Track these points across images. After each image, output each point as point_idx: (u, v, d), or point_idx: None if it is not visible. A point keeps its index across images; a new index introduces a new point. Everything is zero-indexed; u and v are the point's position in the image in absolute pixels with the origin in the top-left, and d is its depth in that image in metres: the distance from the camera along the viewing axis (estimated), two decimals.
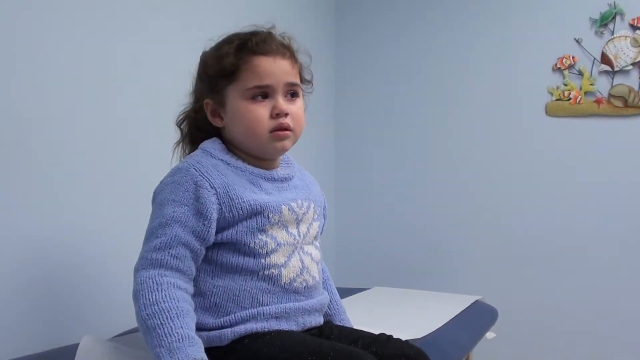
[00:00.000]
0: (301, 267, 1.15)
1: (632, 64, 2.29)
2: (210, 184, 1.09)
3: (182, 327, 0.97)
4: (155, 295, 0.99)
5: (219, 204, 1.08)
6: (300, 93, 1.21)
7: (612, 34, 2.32)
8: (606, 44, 2.33)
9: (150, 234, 1.07)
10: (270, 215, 1.12)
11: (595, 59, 2.34)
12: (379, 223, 2.73)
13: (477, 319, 1.89)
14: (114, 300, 1.58)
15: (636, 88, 2.29)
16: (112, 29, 1.64)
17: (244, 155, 1.18)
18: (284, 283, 1.12)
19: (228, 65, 1.15)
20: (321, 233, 1.27)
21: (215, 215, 1.08)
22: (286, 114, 1.15)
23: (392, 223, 2.70)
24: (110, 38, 1.63)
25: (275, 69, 1.15)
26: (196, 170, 1.09)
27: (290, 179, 1.22)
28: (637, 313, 2.29)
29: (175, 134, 1.28)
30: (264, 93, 1.15)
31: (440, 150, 2.62)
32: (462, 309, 1.88)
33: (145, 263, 1.03)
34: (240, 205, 1.09)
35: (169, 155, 1.28)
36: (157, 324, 0.97)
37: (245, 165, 1.16)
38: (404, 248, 2.67)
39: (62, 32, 1.50)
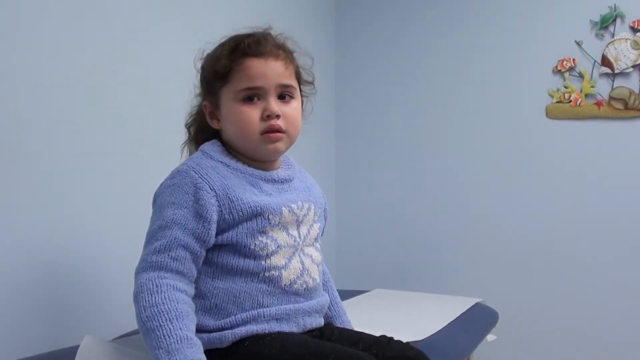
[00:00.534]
0: (302, 268, 1.15)
1: (633, 67, 2.29)
2: (210, 186, 1.09)
3: (181, 328, 0.97)
4: (155, 297, 0.99)
5: (219, 206, 1.08)
6: (297, 94, 1.20)
7: (613, 37, 2.32)
8: (607, 46, 2.33)
9: (151, 237, 1.07)
10: (270, 217, 1.12)
11: (595, 61, 2.34)
12: (380, 225, 2.73)
13: (477, 321, 1.89)
14: (115, 301, 1.58)
15: (637, 90, 2.29)
16: (113, 29, 1.64)
17: (243, 157, 1.18)
18: (285, 285, 1.12)
19: (221, 67, 1.15)
20: (322, 235, 1.27)
21: (215, 217, 1.08)
22: (278, 116, 1.15)
23: (393, 225, 2.70)
24: (111, 38, 1.63)
25: (267, 70, 1.14)
26: (196, 173, 1.09)
27: (291, 181, 1.22)
28: (638, 316, 2.28)
29: (176, 135, 1.29)
30: (256, 95, 1.15)
31: (440, 153, 2.62)
32: (463, 311, 1.88)
33: (145, 265, 1.04)
34: (240, 206, 1.09)
35: (170, 156, 1.28)
36: (157, 326, 0.97)
37: (245, 167, 1.16)
38: (404, 250, 2.67)
39: (63, 32, 1.50)
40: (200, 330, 1.05)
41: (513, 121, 2.49)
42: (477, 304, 2.02)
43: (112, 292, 1.59)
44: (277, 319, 1.10)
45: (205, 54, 1.22)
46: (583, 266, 2.37)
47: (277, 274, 1.11)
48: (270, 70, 1.15)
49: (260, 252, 1.10)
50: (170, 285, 1.01)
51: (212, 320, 1.08)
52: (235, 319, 1.08)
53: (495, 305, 2.10)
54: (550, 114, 2.43)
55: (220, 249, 1.10)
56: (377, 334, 1.20)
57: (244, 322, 1.08)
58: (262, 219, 1.11)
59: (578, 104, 2.37)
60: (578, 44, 2.37)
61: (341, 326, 1.30)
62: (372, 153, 2.76)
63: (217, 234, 1.09)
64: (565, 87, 2.39)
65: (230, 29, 1.20)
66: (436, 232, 2.62)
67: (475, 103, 2.55)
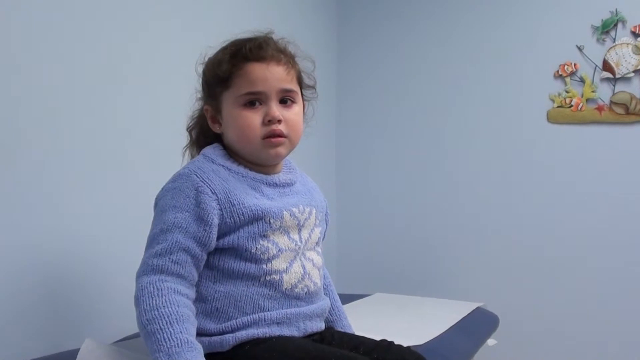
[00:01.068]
0: (303, 272, 1.15)
1: (634, 71, 2.29)
2: (211, 190, 1.09)
3: (181, 332, 0.97)
4: (156, 301, 0.99)
5: (220, 210, 1.08)
6: (298, 99, 1.20)
7: (614, 41, 2.32)
8: (608, 51, 2.33)
9: (152, 240, 1.07)
10: (271, 221, 1.12)
11: (597, 66, 2.34)
12: (381, 229, 2.73)
13: (478, 325, 1.89)
14: (116, 304, 1.58)
15: (638, 95, 2.29)
16: (113, 29, 1.64)
17: (245, 161, 1.18)
18: (286, 289, 1.12)
19: (222, 72, 1.15)
20: (323, 239, 1.27)
21: (216, 221, 1.08)
22: (279, 121, 1.15)
23: (394, 229, 2.70)
24: (112, 39, 1.63)
25: (268, 75, 1.14)
26: (197, 176, 1.10)
27: (292, 185, 1.22)
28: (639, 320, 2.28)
29: (178, 139, 1.29)
30: (257, 99, 1.15)
31: (441, 157, 2.62)
32: (464, 315, 1.88)
33: (146, 269, 1.04)
34: (241, 210, 1.09)
35: (171, 159, 1.28)
36: (157, 329, 0.97)
37: (247, 171, 1.16)
38: (405, 254, 2.66)
39: (63, 32, 1.50)
40: (201, 333, 1.06)
41: (514, 126, 2.49)
42: (477, 308, 2.01)
43: (112, 295, 1.59)
44: (278, 323, 1.10)
45: (206, 59, 1.22)
46: (584, 271, 2.36)
47: (278, 277, 1.11)
48: (271, 75, 1.15)
49: (262, 256, 1.10)
50: (171, 288, 1.01)
51: (212, 324, 1.08)
52: (236, 322, 1.08)
53: (496, 310, 2.10)
54: (552, 118, 2.43)
55: (221, 253, 1.10)
56: (378, 338, 1.20)
57: (245, 326, 1.08)
58: (264, 222, 1.11)
59: (579, 108, 2.37)
60: (579, 48, 2.37)
61: (342, 330, 1.30)
62: (373, 157, 2.76)
63: (218, 238, 1.09)
64: (567, 92, 2.39)
65: (230, 31, 1.20)
66: (437, 236, 2.62)
67: (476, 108, 2.56)
